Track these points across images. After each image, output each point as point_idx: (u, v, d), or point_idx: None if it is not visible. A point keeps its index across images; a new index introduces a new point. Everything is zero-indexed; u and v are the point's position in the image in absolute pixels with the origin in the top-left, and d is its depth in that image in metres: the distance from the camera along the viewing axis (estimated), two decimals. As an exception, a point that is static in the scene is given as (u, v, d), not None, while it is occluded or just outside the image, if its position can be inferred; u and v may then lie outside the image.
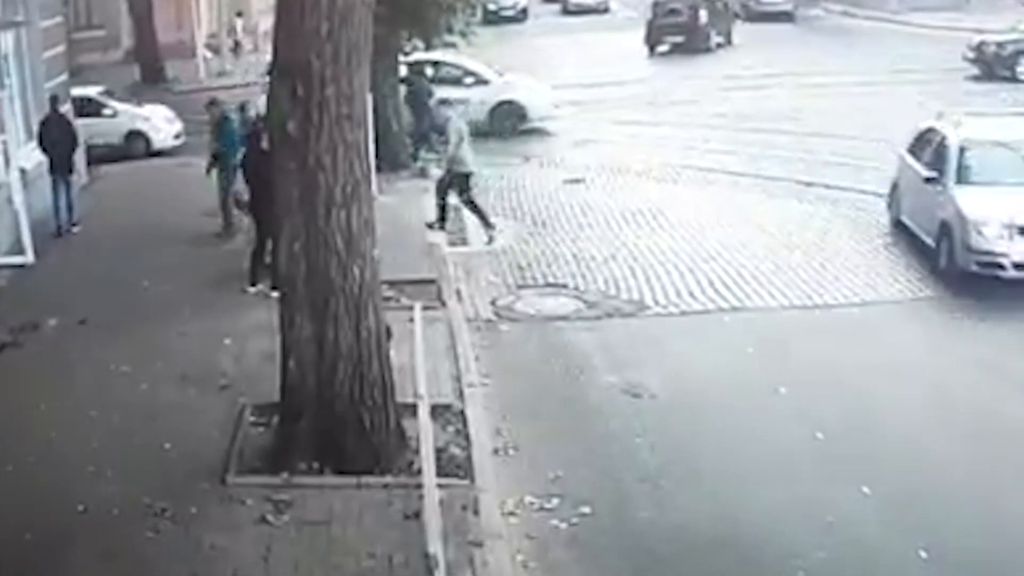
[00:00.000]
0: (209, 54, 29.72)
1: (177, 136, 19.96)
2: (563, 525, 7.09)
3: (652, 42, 30.73)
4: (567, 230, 14.04)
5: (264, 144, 11.14)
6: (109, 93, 20.42)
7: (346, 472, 7.37)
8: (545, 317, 11.06)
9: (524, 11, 38.85)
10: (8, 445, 7.96)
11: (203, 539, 6.70)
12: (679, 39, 30.13)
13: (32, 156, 14.11)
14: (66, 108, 14.65)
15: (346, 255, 7.33)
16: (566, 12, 41.08)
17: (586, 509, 7.24)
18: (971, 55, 24.96)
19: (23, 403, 8.67)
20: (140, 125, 19.74)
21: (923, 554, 6.65)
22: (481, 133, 18.60)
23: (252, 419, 8.28)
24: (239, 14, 31.70)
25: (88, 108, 18.38)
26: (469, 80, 20.01)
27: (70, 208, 13.66)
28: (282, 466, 7.46)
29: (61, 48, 16.51)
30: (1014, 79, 23.44)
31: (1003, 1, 33.38)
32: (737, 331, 10.47)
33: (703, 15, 30.09)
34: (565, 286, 11.91)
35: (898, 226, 13.16)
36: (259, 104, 12.83)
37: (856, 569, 6.64)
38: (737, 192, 15.78)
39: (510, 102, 19.83)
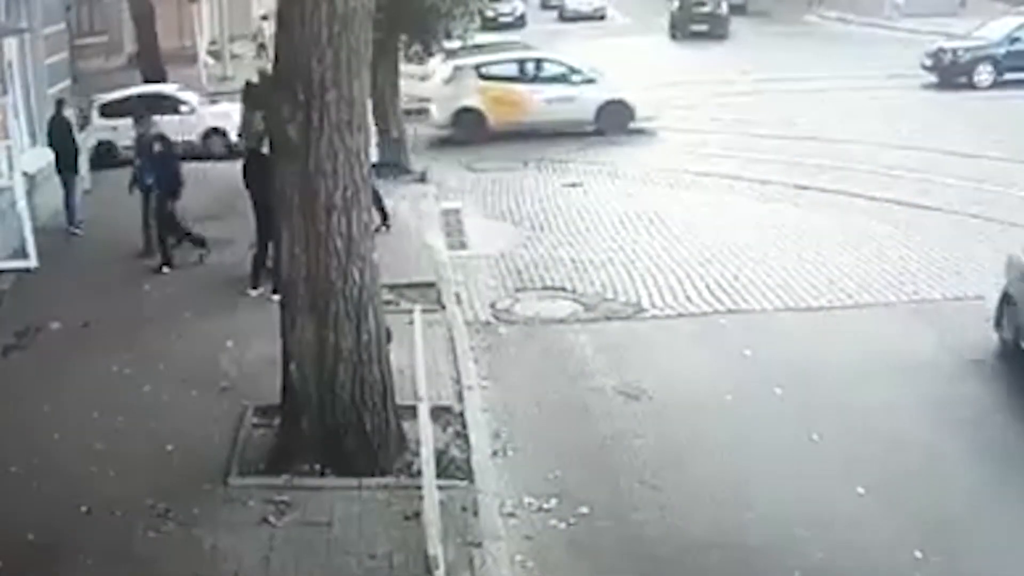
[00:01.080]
0: (211, 60, 29.79)
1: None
2: (562, 525, 7.15)
3: (678, 32, 34.97)
4: (565, 234, 14.11)
5: (264, 149, 11.25)
6: (188, 90, 19.73)
7: (347, 473, 7.44)
8: (543, 320, 11.13)
9: (522, 18, 38.96)
10: (11, 446, 8.03)
11: (205, 540, 6.77)
12: (704, 28, 34.47)
13: (36, 160, 14.20)
14: (69, 112, 14.71)
15: (346, 259, 7.40)
16: (563, 19, 41.25)
17: (584, 510, 7.30)
18: (928, 62, 24.48)
19: (27, 405, 8.74)
20: (219, 123, 18.83)
21: (918, 554, 6.70)
22: (587, 132, 19.11)
23: (253, 421, 8.35)
24: (264, 17, 31.73)
25: (164, 105, 17.99)
26: (576, 78, 19.92)
27: (71, 210, 13.70)
28: (283, 467, 7.53)
29: (64, 54, 16.63)
30: (971, 86, 23.16)
31: (997, 7, 33.45)
32: (734, 333, 10.53)
33: (724, 6, 35.23)
34: (563, 289, 11.98)
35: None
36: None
37: (852, 569, 6.69)
38: (733, 195, 15.84)
39: (618, 101, 19.66)
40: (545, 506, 7.36)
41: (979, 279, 11.71)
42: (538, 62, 20.54)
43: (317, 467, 7.53)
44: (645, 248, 13.29)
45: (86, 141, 16.34)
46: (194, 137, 18.54)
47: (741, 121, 20.74)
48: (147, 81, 27.79)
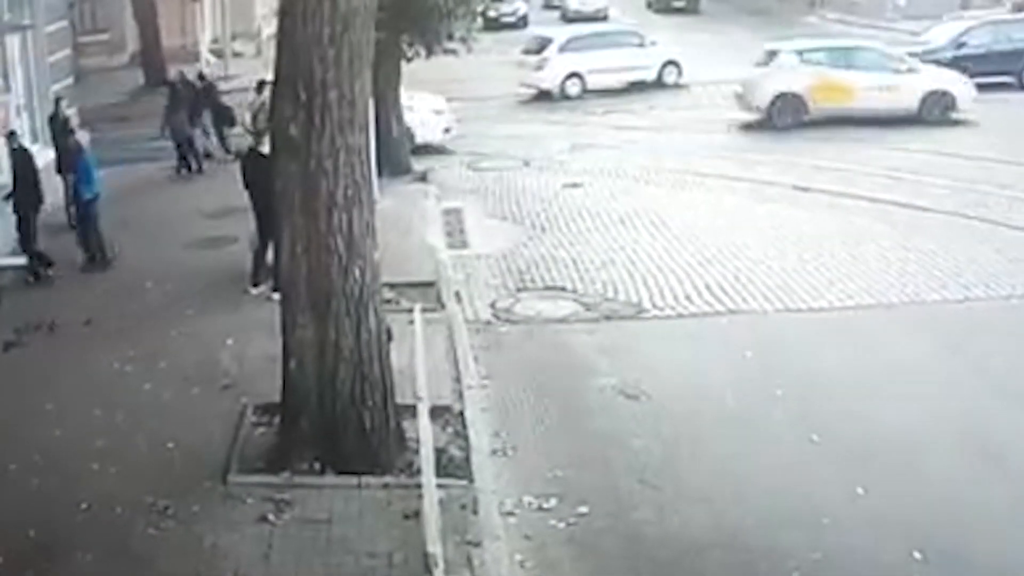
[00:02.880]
0: (213, 59, 29.81)
1: (447, 130, 19.13)
2: (561, 525, 7.16)
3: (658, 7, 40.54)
4: (566, 233, 14.12)
5: (264, 148, 11.26)
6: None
7: (346, 472, 7.45)
8: (544, 319, 11.14)
9: (524, 18, 38.97)
10: (12, 443, 8.04)
11: (205, 538, 6.78)
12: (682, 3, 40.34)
13: (37, 158, 14.20)
14: (71, 111, 14.68)
15: (347, 257, 7.42)
16: (566, 19, 41.24)
17: (584, 509, 7.31)
18: None
19: (27, 402, 8.75)
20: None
21: (917, 555, 6.71)
22: (908, 121, 19.37)
23: (254, 419, 8.36)
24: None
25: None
26: (902, 67, 20.22)
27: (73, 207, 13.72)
28: (283, 466, 7.54)
29: (67, 52, 16.64)
30: None
31: (999, 9, 33.42)
32: (735, 334, 10.53)
33: None
34: (564, 289, 11.99)
35: None
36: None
37: (851, 570, 6.70)
38: (734, 196, 15.85)
39: (941, 92, 19.92)
40: (545, 505, 7.37)
41: (979, 280, 11.73)
42: (862, 50, 21.16)
43: (317, 465, 7.53)
44: (646, 248, 13.30)
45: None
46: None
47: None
48: (149, 80, 27.88)
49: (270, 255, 10.99)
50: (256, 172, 11.23)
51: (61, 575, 6.50)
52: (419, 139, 18.57)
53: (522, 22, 38.64)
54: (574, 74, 24.45)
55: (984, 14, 26.56)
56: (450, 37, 16.57)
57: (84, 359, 9.74)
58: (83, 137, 14.67)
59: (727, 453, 8.13)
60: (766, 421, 8.62)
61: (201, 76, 19.67)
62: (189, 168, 17.33)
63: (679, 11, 41.90)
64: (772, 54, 21.06)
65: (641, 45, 25.85)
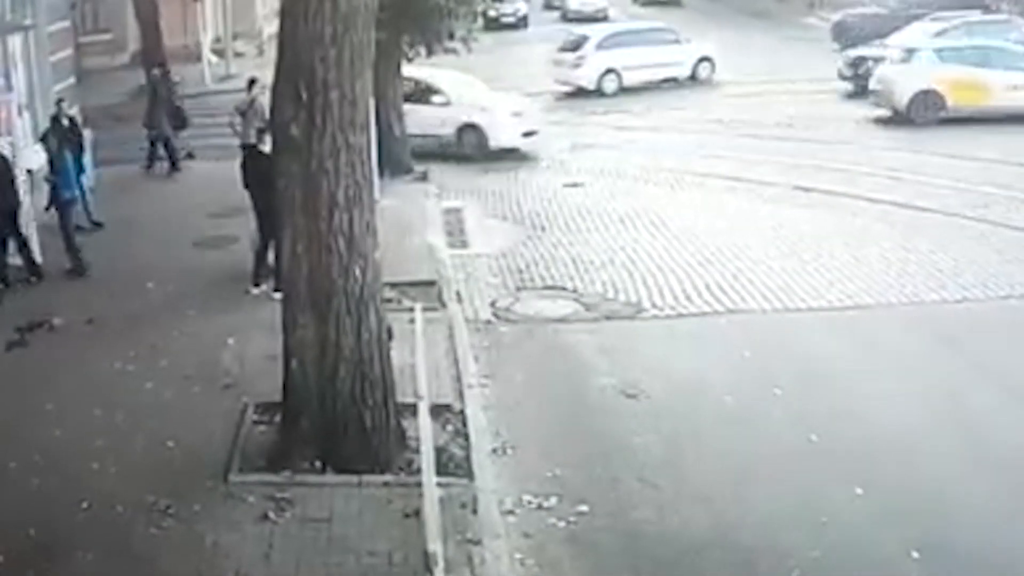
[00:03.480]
0: (214, 58, 29.82)
1: (528, 134, 18.01)
2: (561, 524, 7.18)
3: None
4: (565, 233, 14.14)
5: (265, 147, 11.28)
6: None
7: (347, 471, 7.47)
8: (544, 319, 11.16)
9: (524, 18, 38.96)
10: (13, 443, 8.05)
11: (206, 536, 6.80)
12: None
13: (39, 158, 14.22)
14: (73, 110, 14.68)
15: (348, 257, 7.44)
16: (565, 19, 41.25)
17: (583, 508, 7.33)
18: (847, 72, 23.45)
19: (28, 401, 8.77)
20: (476, 117, 17.45)
21: (915, 554, 6.73)
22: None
23: (254, 418, 8.38)
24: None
25: (417, 93, 17.21)
26: None
27: (85, 208, 13.59)
28: (284, 464, 7.56)
29: (68, 51, 16.65)
30: None
31: (999, 11, 33.40)
32: (734, 333, 10.56)
33: None
34: (564, 288, 12.01)
35: None
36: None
37: (849, 569, 6.73)
38: (733, 196, 15.86)
39: None
40: (545, 504, 7.39)
41: (979, 281, 11.75)
42: (998, 49, 20.98)
43: (317, 464, 7.56)
44: (646, 248, 13.32)
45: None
46: (448, 132, 17.66)
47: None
48: (150, 81, 27.86)
49: (271, 255, 11.03)
50: (256, 171, 11.25)
51: (62, 575, 6.52)
52: (493, 143, 17.85)
53: (522, 22, 38.64)
54: (610, 70, 24.84)
55: (958, 15, 25.82)
56: (451, 37, 16.59)
57: (85, 358, 9.77)
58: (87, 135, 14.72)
59: (726, 452, 8.15)
60: (765, 420, 8.64)
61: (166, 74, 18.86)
62: (151, 165, 16.95)
63: (662, 4, 42.51)
64: (910, 52, 21.30)
65: (676, 42, 26.26)
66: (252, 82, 16.34)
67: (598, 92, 24.56)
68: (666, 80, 25.37)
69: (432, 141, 17.81)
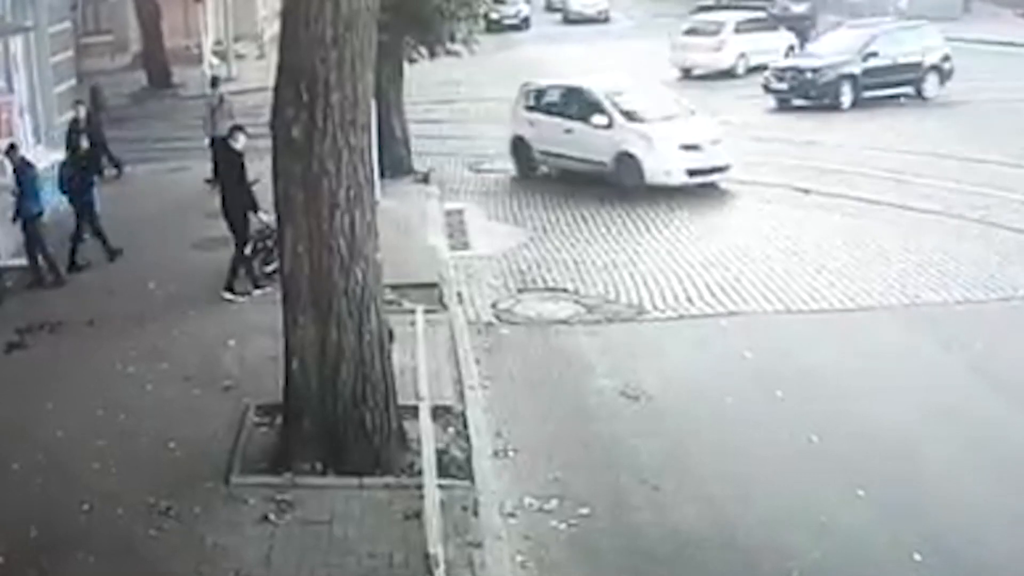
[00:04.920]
0: (216, 60, 29.85)
1: (694, 172, 15.02)
2: (562, 526, 7.18)
3: None
4: (567, 235, 14.14)
5: (237, 146, 11.32)
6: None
7: (348, 472, 7.47)
8: (545, 321, 11.16)
9: (526, 20, 38.96)
10: (15, 444, 8.06)
11: (206, 538, 6.80)
12: None
13: (40, 159, 14.22)
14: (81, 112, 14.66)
15: (349, 258, 7.44)
16: (567, 21, 41.25)
17: (585, 510, 7.33)
18: (775, 84, 22.22)
19: (30, 402, 8.77)
20: (633, 146, 14.94)
21: (916, 556, 6.72)
22: None
23: (255, 419, 8.38)
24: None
25: (581, 106, 15.62)
26: None
27: (92, 210, 13.57)
28: (285, 466, 7.56)
29: (69, 53, 16.67)
30: (836, 108, 21.31)
31: (1002, 12, 33.43)
32: (735, 335, 10.55)
33: None
34: (565, 290, 12.01)
35: None
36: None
37: (850, 570, 6.72)
38: (737, 199, 15.86)
39: None
40: (546, 506, 7.39)
41: (979, 282, 11.74)
42: None
43: (318, 466, 7.55)
44: (647, 249, 13.32)
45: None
46: (605, 159, 15.35)
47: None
48: (152, 82, 27.91)
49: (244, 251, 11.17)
50: (226, 164, 11.32)
51: (63, 575, 6.51)
52: (649, 178, 15.11)
53: (524, 24, 38.64)
54: (742, 54, 26.41)
55: (878, 21, 25.44)
56: (452, 39, 16.61)
57: (86, 360, 9.77)
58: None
59: (727, 453, 8.14)
60: (766, 422, 8.64)
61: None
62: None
63: None
64: None
65: (775, 29, 28.01)
66: (215, 80, 16.63)
67: (730, 74, 25.88)
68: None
69: (589, 167, 15.83)
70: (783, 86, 22.18)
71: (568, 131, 16.06)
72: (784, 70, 22.70)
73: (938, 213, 14.39)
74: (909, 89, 22.23)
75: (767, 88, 22.63)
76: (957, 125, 19.83)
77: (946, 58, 22.66)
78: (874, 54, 22.07)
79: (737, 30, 27.06)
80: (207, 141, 15.72)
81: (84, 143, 12.97)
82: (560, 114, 16.51)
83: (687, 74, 26.84)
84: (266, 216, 11.24)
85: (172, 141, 17.25)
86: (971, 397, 9.04)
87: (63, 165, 12.73)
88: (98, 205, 12.81)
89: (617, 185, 15.38)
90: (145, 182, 17.02)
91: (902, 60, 22.19)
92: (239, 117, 14.99)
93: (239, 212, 11.25)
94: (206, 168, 17.38)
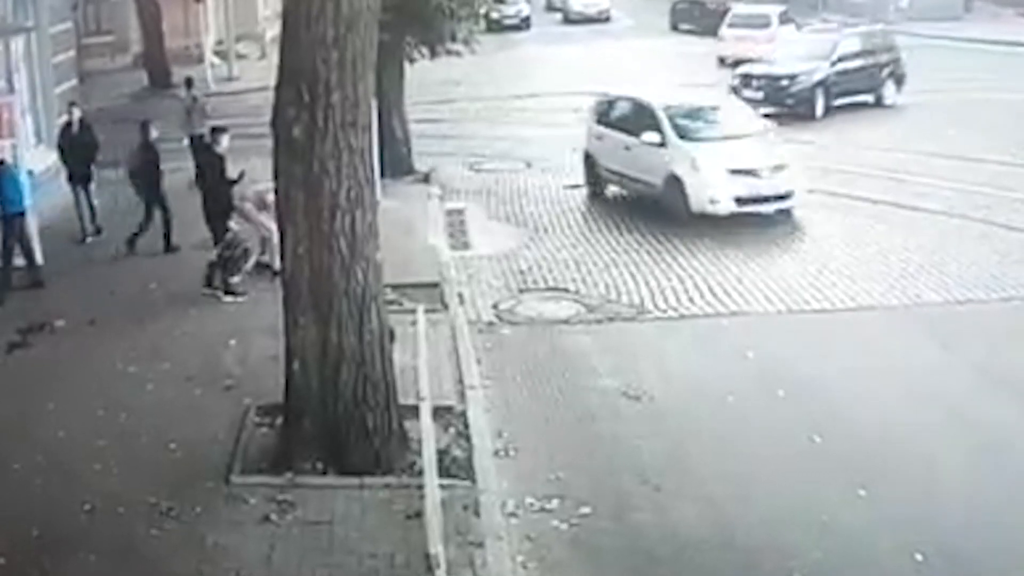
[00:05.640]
0: (217, 60, 29.86)
1: (744, 200, 13.27)
2: (563, 526, 7.17)
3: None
4: (568, 235, 14.14)
5: (219, 149, 11.36)
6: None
7: (349, 472, 7.47)
8: (546, 320, 11.16)
9: (527, 20, 38.96)
10: (16, 444, 8.07)
11: (207, 538, 6.80)
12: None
13: (41, 159, 14.23)
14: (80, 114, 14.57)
15: (350, 258, 7.44)
16: (568, 21, 41.27)
17: (586, 510, 7.32)
18: (745, 91, 20.42)
19: (31, 402, 8.78)
20: (679, 168, 13.53)
21: (918, 556, 6.72)
22: None
23: (256, 419, 8.38)
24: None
25: (640, 121, 14.36)
26: None
27: (92, 214, 13.51)
28: (286, 466, 7.56)
29: (71, 53, 16.67)
30: (811, 117, 20.28)
31: (1003, 12, 33.43)
32: (736, 335, 10.55)
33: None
34: (566, 290, 12.01)
35: None
36: None
37: (851, 570, 6.72)
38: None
39: None
40: (547, 506, 7.38)
41: (980, 282, 11.74)
42: None
43: (319, 466, 7.56)
44: (648, 249, 13.31)
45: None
46: (656, 181, 13.96)
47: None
48: (153, 82, 27.90)
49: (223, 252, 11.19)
50: (207, 167, 11.34)
51: (64, 575, 6.51)
52: (695, 206, 13.59)
53: (525, 24, 38.65)
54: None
55: (838, 24, 24.88)
56: (453, 39, 16.61)
57: (87, 359, 9.77)
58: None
59: (728, 453, 8.14)
60: (767, 422, 8.64)
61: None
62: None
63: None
64: None
65: (794, 22, 28.46)
66: (190, 81, 16.82)
67: None
68: None
69: (644, 189, 14.63)
70: (756, 94, 20.46)
71: (627, 148, 14.75)
72: (755, 77, 21.28)
73: (938, 212, 14.40)
74: (870, 97, 21.47)
75: (736, 92, 20.76)
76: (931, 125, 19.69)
77: (901, 62, 22.01)
78: (842, 59, 21.24)
79: (781, 21, 27.63)
80: (186, 141, 16.28)
81: (153, 132, 12.91)
82: (623, 129, 15.06)
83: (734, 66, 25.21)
84: (236, 225, 11.34)
85: (170, 142, 17.21)
86: (972, 397, 9.04)
87: (131, 156, 13.06)
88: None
89: (666, 211, 13.92)
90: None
91: (864, 65, 21.47)
92: (242, 117, 15.03)
93: (219, 214, 11.28)
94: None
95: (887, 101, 21.61)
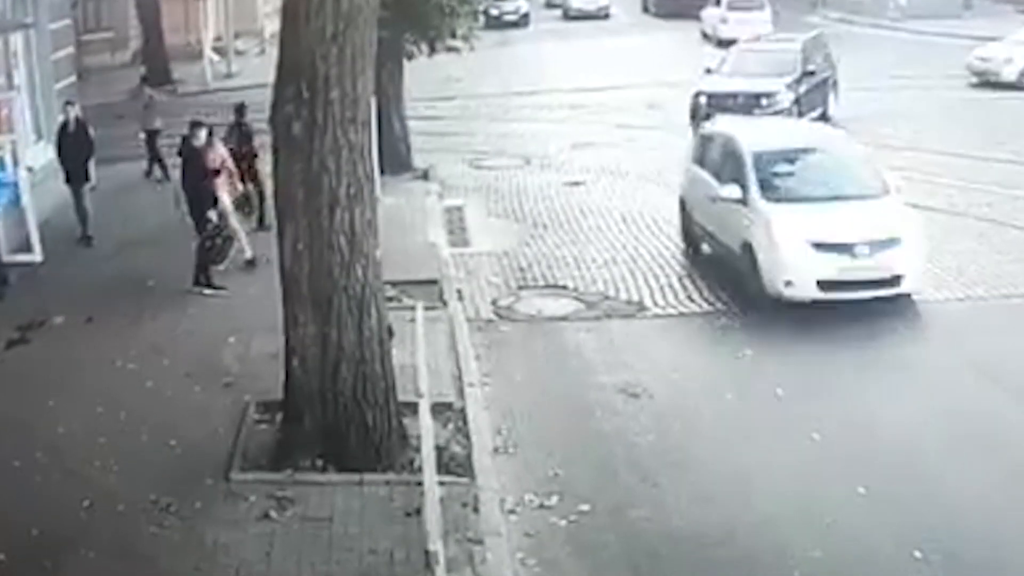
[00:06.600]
0: (216, 57, 29.82)
1: (830, 285, 10.26)
2: (562, 523, 7.18)
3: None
4: (567, 232, 14.14)
5: (196, 142, 11.43)
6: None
7: (348, 469, 7.48)
8: (545, 317, 11.16)
9: (526, 16, 38.93)
10: (15, 441, 8.06)
11: (207, 535, 6.80)
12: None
13: (40, 155, 14.21)
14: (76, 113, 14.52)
15: (349, 255, 7.44)
16: (567, 17, 41.24)
17: (585, 507, 7.33)
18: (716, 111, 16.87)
19: (30, 399, 8.77)
20: (754, 235, 10.67)
21: (917, 554, 6.72)
22: None
23: (256, 416, 8.39)
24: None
25: (729, 165, 11.52)
26: None
27: (84, 219, 13.40)
28: (285, 463, 7.57)
29: (70, 50, 16.64)
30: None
31: (1002, 9, 33.38)
32: (735, 333, 10.54)
33: None
34: (565, 287, 12.01)
35: None
36: None
37: (851, 569, 6.71)
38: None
39: None
40: (546, 503, 7.39)
41: (983, 281, 11.73)
42: None
43: (319, 463, 7.56)
44: (647, 246, 13.31)
45: None
46: (733, 241, 11.23)
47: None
48: (152, 79, 27.84)
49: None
50: (186, 161, 11.41)
51: (64, 573, 6.51)
52: (769, 286, 10.49)
53: (524, 20, 38.63)
54: None
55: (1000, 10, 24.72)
56: (452, 35, 16.60)
57: (86, 357, 9.76)
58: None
59: (728, 451, 8.14)
60: (767, 420, 8.64)
61: None
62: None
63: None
64: None
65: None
66: (144, 79, 16.88)
67: None
68: None
69: (724, 253, 11.67)
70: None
71: (712, 200, 11.77)
72: (721, 96, 18.04)
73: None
74: (822, 110, 19.10)
75: (694, 116, 17.94)
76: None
77: (836, 71, 20.23)
78: (810, 73, 18.97)
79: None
80: (142, 136, 16.91)
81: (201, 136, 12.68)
82: (714, 174, 12.04)
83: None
84: (215, 215, 11.38)
85: (169, 137, 17.24)
86: (972, 395, 9.04)
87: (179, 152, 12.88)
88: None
89: (742, 287, 11.03)
90: (141, 179, 17.00)
91: (821, 76, 19.41)
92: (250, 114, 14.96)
93: (200, 207, 11.35)
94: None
95: (831, 112, 19.36)
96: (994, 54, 23.79)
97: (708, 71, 19.86)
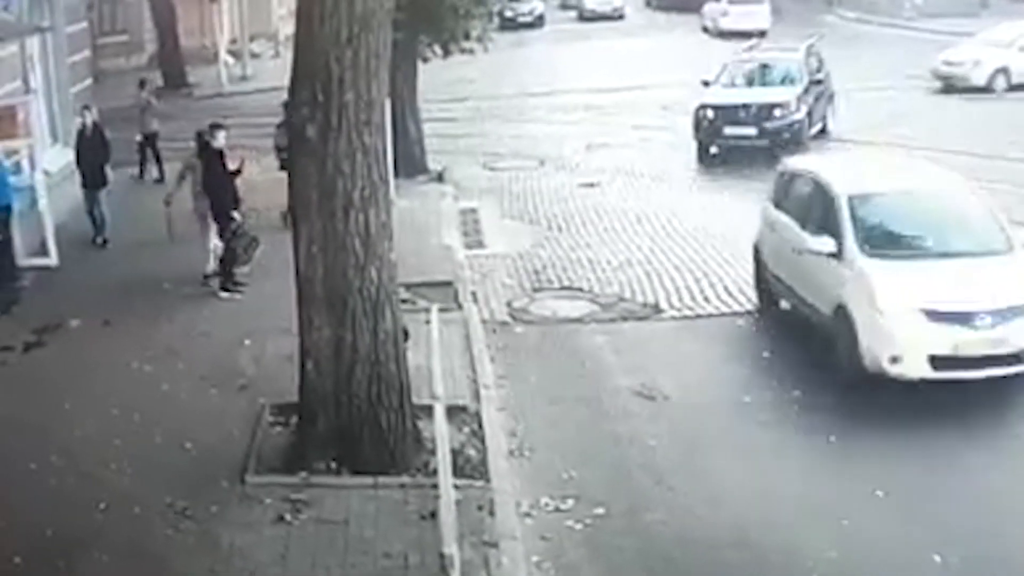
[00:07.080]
0: (231, 60, 29.95)
1: (945, 361, 8.45)
2: (578, 526, 7.15)
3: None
4: (582, 234, 14.10)
5: (216, 144, 11.44)
6: None
7: (363, 472, 7.46)
8: (560, 319, 11.13)
9: (541, 17, 38.98)
10: (31, 443, 8.08)
11: (222, 538, 6.80)
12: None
13: (57, 159, 14.27)
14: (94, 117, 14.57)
15: (364, 258, 7.43)
16: (582, 19, 41.28)
17: (600, 510, 7.30)
18: (725, 127, 16.90)
19: (46, 402, 8.80)
20: (852, 297, 8.90)
21: (936, 558, 6.66)
22: None
23: (271, 419, 8.38)
24: None
25: (818, 212, 9.65)
26: None
27: (102, 223, 13.45)
28: (300, 466, 7.56)
29: (86, 53, 16.73)
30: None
31: (1020, 8, 33.12)
32: (752, 334, 10.49)
33: None
34: (580, 289, 11.98)
35: None
36: None
37: (868, 571, 6.66)
38: (751, 198, 15.76)
39: None
40: (561, 506, 7.36)
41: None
42: None
43: (334, 465, 7.55)
44: (663, 248, 13.26)
45: None
46: (824, 305, 9.32)
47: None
48: (167, 82, 28.02)
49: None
50: (206, 163, 11.42)
51: (78, 574, 6.53)
52: (869, 361, 8.65)
53: (539, 21, 38.66)
54: None
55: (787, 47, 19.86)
56: (467, 37, 16.61)
57: (102, 359, 9.79)
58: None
59: (744, 453, 8.10)
60: (783, 421, 8.58)
61: None
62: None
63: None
64: None
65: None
66: (143, 83, 17.50)
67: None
68: None
69: (808, 312, 9.82)
70: (745, 130, 16.78)
71: (796, 251, 9.91)
72: (730, 108, 17.01)
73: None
74: (821, 125, 18.06)
75: (698, 129, 17.16)
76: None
77: (831, 81, 19.10)
78: (818, 82, 18.03)
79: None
80: (138, 138, 16.97)
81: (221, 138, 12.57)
82: (798, 220, 10.12)
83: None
84: (238, 215, 11.42)
85: (184, 141, 17.25)
86: (992, 396, 8.93)
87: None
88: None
89: (832, 358, 9.16)
90: (149, 182, 17.00)
91: (824, 86, 18.57)
92: (255, 116, 15.04)
93: (222, 207, 11.37)
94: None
95: (830, 127, 18.53)
96: (963, 57, 22.33)
97: (706, 84, 18.39)
